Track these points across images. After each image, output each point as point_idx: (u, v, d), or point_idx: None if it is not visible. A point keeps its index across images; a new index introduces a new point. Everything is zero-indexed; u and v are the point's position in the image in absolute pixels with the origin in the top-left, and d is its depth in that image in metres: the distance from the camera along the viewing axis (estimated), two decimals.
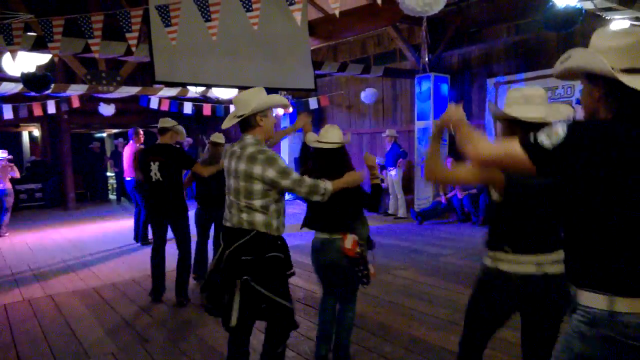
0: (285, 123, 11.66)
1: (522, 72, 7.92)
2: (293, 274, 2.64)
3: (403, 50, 9.33)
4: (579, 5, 4.20)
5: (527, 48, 7.92)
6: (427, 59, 8.68)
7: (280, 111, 10.66)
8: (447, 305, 4.15)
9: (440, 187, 8.34)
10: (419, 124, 8.88)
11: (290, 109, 10.74)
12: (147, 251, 6.63)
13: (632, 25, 5.44)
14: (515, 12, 7.99)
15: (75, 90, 8.28)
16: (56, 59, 4.51)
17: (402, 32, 9.14)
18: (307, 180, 2.45)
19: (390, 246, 6.62)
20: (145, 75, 10.03)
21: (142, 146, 7.26)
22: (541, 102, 1.82)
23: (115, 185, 13.55)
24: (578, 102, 7.18)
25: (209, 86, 7.20)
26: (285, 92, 11.02)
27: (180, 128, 4.46)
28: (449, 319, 3.84)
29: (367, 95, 9.53)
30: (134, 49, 3.69)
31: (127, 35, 3.44)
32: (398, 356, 3.27)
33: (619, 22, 5.49)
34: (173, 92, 9.36)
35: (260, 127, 2.48)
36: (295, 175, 2.43)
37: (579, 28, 6.80)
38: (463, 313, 3.95)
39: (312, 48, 6.91)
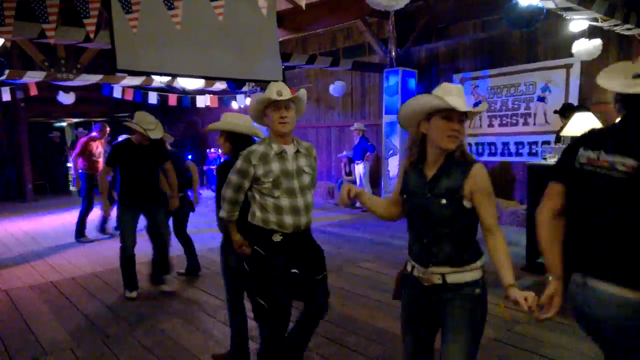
0: None
1: (487, 69, 8.09)
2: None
3: (372, 44, 9.37)
4: (540, 4, 4.31)
5: (492, 45, 8.09)
6: (394, 53, 8.75)
7: (249, 102, 10.55)
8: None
9: None
10: (386, 118, 8.96)
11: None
12: (109, 244, 6.53)
13: (590, 25, 5.64)
14: (481, 9, 8.13)
15: (32, 77, 7.92)
16: (8, 44, 4.29)
17: (371, 26, 9.17)
18: None
19: (357, 239, 6.68)
20: (107, 63, 9.72)
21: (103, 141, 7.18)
22: (459, 95, 1.87)
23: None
24: (539, 99, 7.41)
25: (174, 76, 7.04)
26: (253, 84, 10.92)
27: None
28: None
29: (335, 88, 9.53)
30: (92, 35, 3.55)
31: (85, 21, 3.29)
32: (362, 347, 3.31)
33: (579, 22, 5.68)
34: (137, 81, 9.10)
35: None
36: None
37: (541, 27, 7.01)
38: None
39: (280, 39, 6.83)
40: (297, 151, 2.54)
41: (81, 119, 14.36)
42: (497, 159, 8.07)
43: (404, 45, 8.95)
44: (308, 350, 3.27)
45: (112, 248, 6.46)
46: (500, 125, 7.98)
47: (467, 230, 1.91)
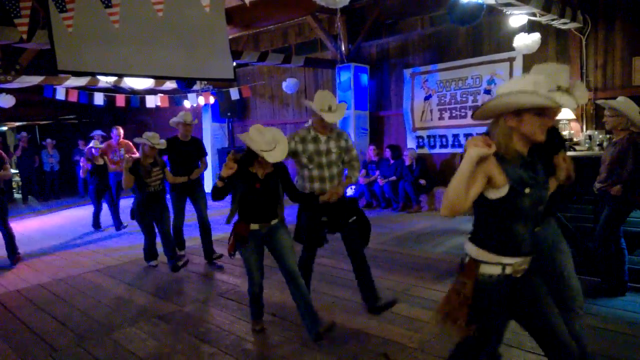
0: (207, 114, 11.39)
1: (436, 63, 8.28)
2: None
3: (323, 40, 9.38)
4: (480, 0, 4.44)
5: (440, 40, 8.29)
6: (344, 49, 8.80)
7: (201, 101, 10.35)
8: (355, 286, 4.20)
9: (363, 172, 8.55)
10: None
11: (212, 100, 10.47)
12: (56, 256, 6.26)
13: (529, 20, 5.87)
14: (428, 4, 8.30)
15: None
16: None
17: (322, 22, 9.19)
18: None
19: None
20: (49, 63, 9.24)
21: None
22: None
23: (20, 184, 12.48)
24: (486, 91, 7.66)
25: (119, 75, 6.80)
26: (205, 83, 10.71)
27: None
28: (360, 300, 3.93)
29: (288, 85, 9.49)
30: (24, 36, 3.37)
31: (16, 21, 3.12)
32: (320, 345, 3.32)
33: (518, 17, 5.90)
34: (82, 81, 8.72)
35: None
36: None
37: (485, 22, 7.24)
38: (380, 297, 4.05)
39: (230, 37, 6.73)
40: (329, 137, 3.54)
41: (23, 123, 13.66)
42: (449, 150, 8.30)
43: (355, 41, 9.02)
44: (267, 350, 3.26)
45: (60, 258, 6.21)
46: (450, 117, 8.20)
47: None
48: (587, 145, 5.97)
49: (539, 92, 1.79)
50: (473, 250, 1.96)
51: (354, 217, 3.63)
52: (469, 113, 7.91)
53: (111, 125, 8.90)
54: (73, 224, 8.66)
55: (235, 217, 3.32)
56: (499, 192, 1.86)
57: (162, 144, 5.06)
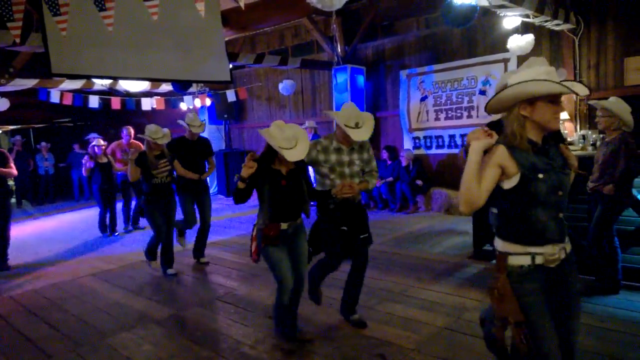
0: (203, 117, 11.35)
1: (432, 65, 8.30)
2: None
3: (320, 42, 9.40)
4: (474, 2, 4.46)
5: (435, 41, 8.31)
6: (340, 50, 8.81)
7: (197, 103, 10.33)
8: (363, 291, 4.21)
9: None
10: None
11: (209, 102, 10.45)
12: (50, 261, 6.22)
13: (523, 21, 5.89)
14: (423, 6, 8.33)
15: None
16: None
17: (318, 24, 9.19)
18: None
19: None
20: (43, 66, 9.21)
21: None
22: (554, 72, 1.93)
23: (14, 187, 12.40)
24: (481, 92, 7.68)
25: (113, 78, 6.78)
26: (202, 85, 10.69)
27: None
28: (365, 304, 3.94)
29: (285, 86, 9.49)
30: (17, 39, 3.36)
31: (9, 24, 3.10)
32: (317, 346, 3.31)
33: (512, 19, 5.93)
34: (77, 84, 8.70)
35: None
36: None
37: (480, 24, 7.27)
38: (377, 298, 4.09)
39: (227, 39, 6.73)
40: (352, 148, 3.42)
41: (18, 126, 13.59)
42: (445, 151, 8.31)
43: (351, 43, 9.03)
44: (265, 353, 3.25)
45: (54, 263, 6.18)
46: (446, 118, 8.22)
47: None
48: (580, 144, 6.00)
49: (553, 79, 1.81)
50: (499, 244, 1.97)
51: (366, 235, 3.52)
52: (465, 114, 7.93)
53: (108, 128, 8.87)
54: (68, 228, 8.62)
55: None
56: (512, 181, 1.89)
57: (163, 137, 4.93)
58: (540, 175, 1.88)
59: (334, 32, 8.71)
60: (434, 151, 8.42)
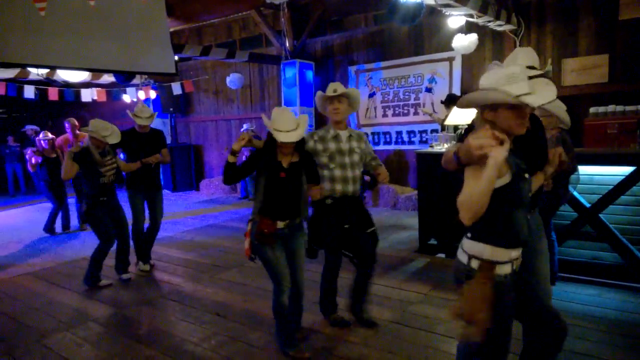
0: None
1: (380, 61, 8.43)
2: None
3: (268, 36, 9.30)
4: (419, 0, 4.56)
5: (383, 38, 8.43)
6: (288, 45, 8.77)
7: (141, 95, 9.96)
8: (314, 287, 4.20)
9: None
10: None
11: (153, 94, 10.11)
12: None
13: (467, 21, 6.09)
14: (371, 2, 8.43)
15: None
16: None
17: (267, 18, 9.09)
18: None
19: None
20: None
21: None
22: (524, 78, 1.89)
23: None
24: (427, 89, 7.88)
25: (49, 68, 6.41)
26: (146, 77, 10.33)
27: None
28: (312, 299, 3.93)
29: (232, 80, 9.33)
30: None
31: None
32: (264, 343, 3.29)
33: (457, 19, 6.12)
34: (10, 73, 8.16)
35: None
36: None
37: (426, 22, 7.45)
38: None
39: (172, 30, 6.51)
40: (350, 135, 3.34)
41: None
42: (392, 147, 8.48)
43: (300, 38, 9.00)
44: (210, 351, 3.19)
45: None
46: (394, 115, 8.38)
47: None
48: None
49: (519, 82, 1.80)
50: (487, 250, 1.87)
51: (373, 228, 3.49)
52: (412, 110, 8.12)
53: (46, 119, 8.37)
54: (1, 225, 8.08)
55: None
56: (503, 180, 1.83)
57: (112, 135, 4.45)
58: (527, 175, 1.92)
59: (283, 26, 8.65)
60: (381, 147, 8.57)
